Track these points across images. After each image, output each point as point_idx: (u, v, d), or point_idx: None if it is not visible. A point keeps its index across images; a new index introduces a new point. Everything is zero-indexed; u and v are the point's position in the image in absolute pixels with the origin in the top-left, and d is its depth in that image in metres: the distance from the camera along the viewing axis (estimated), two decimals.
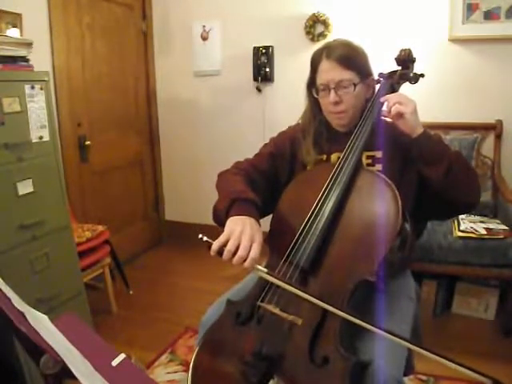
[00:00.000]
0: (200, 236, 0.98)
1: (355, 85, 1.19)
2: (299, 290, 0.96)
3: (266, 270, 0.99)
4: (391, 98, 1.14)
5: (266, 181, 1.28)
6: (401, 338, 0.89)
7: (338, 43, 1.25)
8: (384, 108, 1.19)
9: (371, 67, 1.26)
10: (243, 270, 1.24)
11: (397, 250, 1.04)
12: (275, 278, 0.99)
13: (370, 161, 1.22)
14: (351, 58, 1.20)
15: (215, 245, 0.97)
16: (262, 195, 1.20)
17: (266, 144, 1.39)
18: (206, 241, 0.98)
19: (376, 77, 1.27)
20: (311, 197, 1.12)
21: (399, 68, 1.26)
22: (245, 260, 0.96)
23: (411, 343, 0.89)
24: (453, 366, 0.81)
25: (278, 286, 1.04)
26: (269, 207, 1.23)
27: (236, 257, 0.96)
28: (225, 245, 0.98)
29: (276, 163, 1.32)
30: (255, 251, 0.97)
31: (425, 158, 1.13)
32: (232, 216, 1.06)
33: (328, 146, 1.28)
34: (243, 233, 0.99)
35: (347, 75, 1.19)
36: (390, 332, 0.88)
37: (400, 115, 1.11)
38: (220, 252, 0.97)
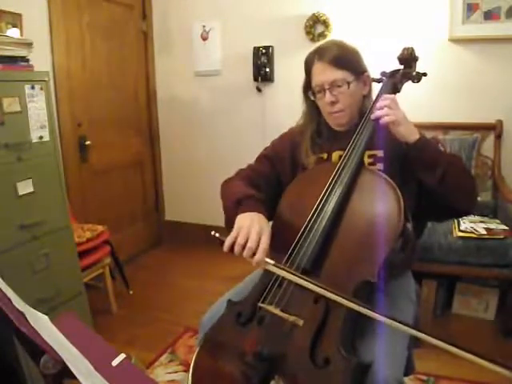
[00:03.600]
0: (213, 233, 1.04)
1: (349, 83, 1.20)
2: (309, 281, 0.97)
3: (273, 262, 1.00)
4: (382, 103, 1.13)
5: (268, 184, 1.29)
6: (404, 323, 0.89)
7: (329, 44, 1.27)
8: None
9: (365, 64, 1.27)
10: (244, 270, 1.24)
11: (399, 250, 1.03)
12: (285, 270, 1.00)
13: (371, 160, 1.22)
14: (343, 58, 1.21)
15: (227, 241, 1.02)
16: (267, 198, 1.21)
17: (266, 147, 1.40)
18: (219, 238, 1.03)
19: (377, 75, 1.28)
20: (313, 196, 1.12)
21: (402, 67, 1.26)
22: (255, 253, 0.99)
23: (415, 329, 0.89)
24: (482, 361, 0.79)
25: (279, 286, 1.04)
26: (274, 210, 1.24)
27: (246, 249, 1.00)
28: (235, 240, 1.02)
29: (276, 166, 1.33)
30: (264, 243, 1.01)
31: (420, 164, 1.13)
32: (240, 214, 1.09)
33: (329, 145, 1.29)
34: (251, 227, 1.02)
35: (340, 75, 1.20)
36: (393, 318, 0.89)
37: (391, 123, 1.10)
38: (232, 248, 1.02)
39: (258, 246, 1.00)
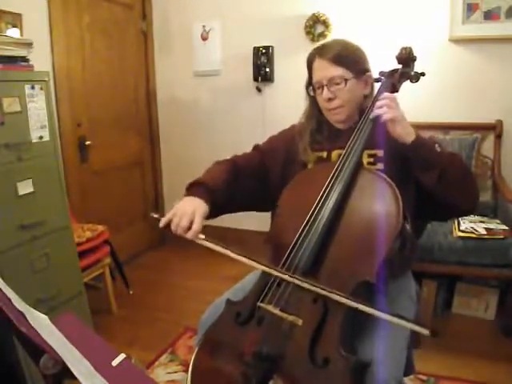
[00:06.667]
0: (151, 214, 1.18)
1: (346, 80, 1.21)
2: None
3: (205, 237, 1.12)
4: (382, 102, 1.13)
5: (253, 176, 1.33)
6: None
7: (332, 43, 1.29)
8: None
9: (368, 64, 1.28)
10: (243, 269, 1.24)
11: (397, 250, 1.03)
12: (217, 245, 1.08)
13: (371, 159, 1.22)
14: (342, 56, 1.22)
15: (163, 220, 1.14)
16: (246, 189, 1.30)
17: (264, 141, 1.42)
18: (157, 218, 1.16)
19: (376, 75, 1.28)
20: (312, 196, 1.12)
21: (400, 66, 1.26)
22: (188, 231, 1.11)
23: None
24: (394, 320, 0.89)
25: (278, 286, 1.04)
26: (254, 203, 1.36)
27: (179, 228, 1.11)
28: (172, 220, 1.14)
29: (266, 161, 1.34)
30: (196, 224, 1.11)
31: (416, 164, 1.13)
32: (184, 197, 1.20)
33: (329, 144, 1.29)
34: (185, 210, 1.13)
35: (338, 72, 1.21)
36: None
37: (389, 121, 1.10)
38: (168, 226, 1.14)
39: (191, 226, 1.11)
